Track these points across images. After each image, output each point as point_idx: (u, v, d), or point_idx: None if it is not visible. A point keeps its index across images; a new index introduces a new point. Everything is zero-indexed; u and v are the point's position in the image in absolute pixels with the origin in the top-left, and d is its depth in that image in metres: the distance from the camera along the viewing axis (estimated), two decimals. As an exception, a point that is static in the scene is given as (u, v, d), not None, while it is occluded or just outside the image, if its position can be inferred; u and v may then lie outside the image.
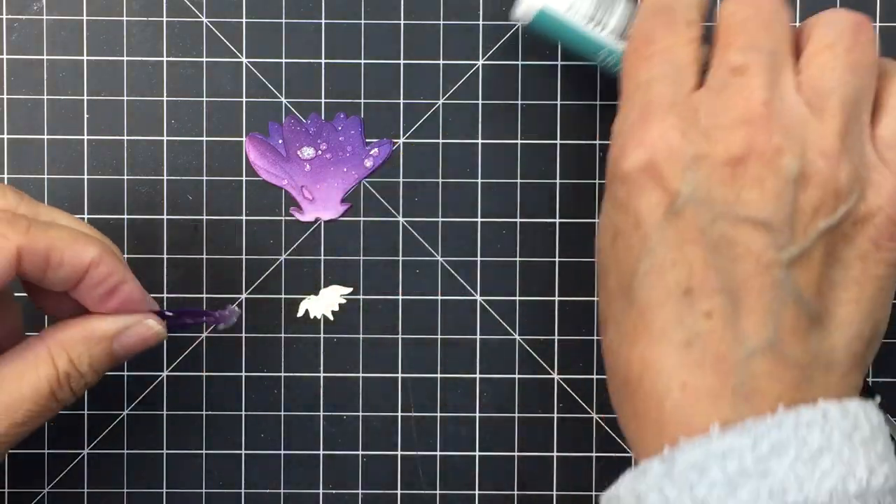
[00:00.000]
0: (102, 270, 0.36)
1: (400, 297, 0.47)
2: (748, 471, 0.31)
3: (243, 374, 0.47)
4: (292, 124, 0.46)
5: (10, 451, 0.46)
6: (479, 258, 0.47)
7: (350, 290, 0.47)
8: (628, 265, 0.34)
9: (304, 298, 0.47)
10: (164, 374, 0.47)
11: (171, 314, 0.40)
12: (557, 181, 0.47)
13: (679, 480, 0.32)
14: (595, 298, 0.47)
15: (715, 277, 0.33)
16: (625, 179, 0.35)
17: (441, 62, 0.47)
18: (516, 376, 0.47)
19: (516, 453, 0.47)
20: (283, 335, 0.47)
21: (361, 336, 0.47)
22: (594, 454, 0.47)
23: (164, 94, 0.47)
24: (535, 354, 0.47)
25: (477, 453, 0.47)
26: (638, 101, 0.36)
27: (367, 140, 0.47)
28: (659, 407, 0.33)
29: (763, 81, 0.34)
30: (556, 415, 0.47)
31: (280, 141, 0.46)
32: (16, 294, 0.41)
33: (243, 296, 0.47)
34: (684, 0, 0.37)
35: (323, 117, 0.47)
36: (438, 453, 0.47)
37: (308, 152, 0.46)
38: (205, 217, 0.47)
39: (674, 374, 0.33)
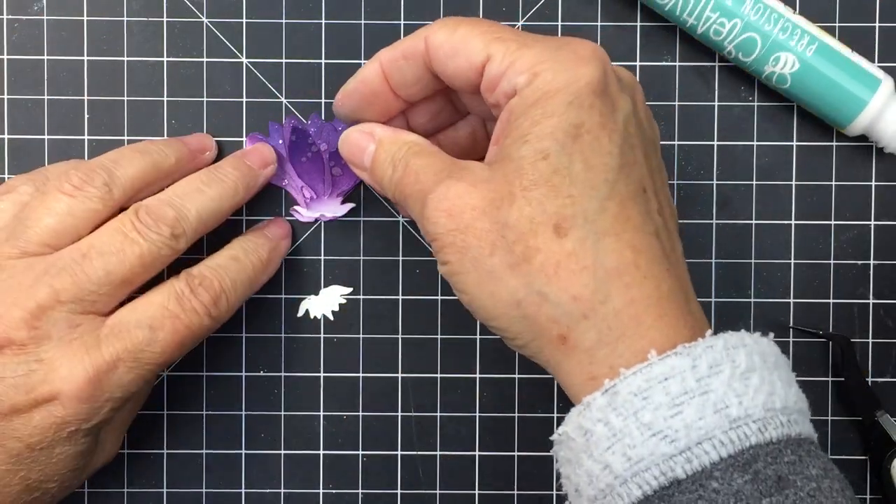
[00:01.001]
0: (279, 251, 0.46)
1: (400, 297, 0.47)
2: (691, 390, 0.32)
3: (243, 374, 0.47)
4: (292, 125, 0.46)
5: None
6: (479, 258, 0.47)
7: (350, 290, 0.47)
8: (600, 160, 0.34)
9: (304, 298, 0.47)
10: (165, 374, 0.47)
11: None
12: (557, 181, 0.47)
13: (624, 408, 0.32)
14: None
15: (650, 180, 0.36)
16: (585, 85, 0.35)
17: (441, 62, 0.47)
18: (516, 376, 0.47)
19: (516, 453, 0.47)
20: (283, 335, 0.47)
21: (361, 336, 0.47)
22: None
23: (165, 94, 0.47)
24: (535, 354, 0.47)
25: (477, 453, 0.47)
26: None
27: None
28: (658, 289, 0.34)
29: None
30: (555, 415, 0.47)
31: (280, 141, 0.46)
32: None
33: (243, 296, 0.47)
34: None
35: (323, 117, 0.47)
36: (438, 453, 0.47)
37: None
38: (205, 217, 0.47)
39: (660, 259, 0.35)
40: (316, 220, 0.47)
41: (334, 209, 0.47)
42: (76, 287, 0.38)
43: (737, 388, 0.32)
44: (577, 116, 0.34)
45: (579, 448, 0.33)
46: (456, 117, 0.43)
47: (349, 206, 0.47)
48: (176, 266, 0.47)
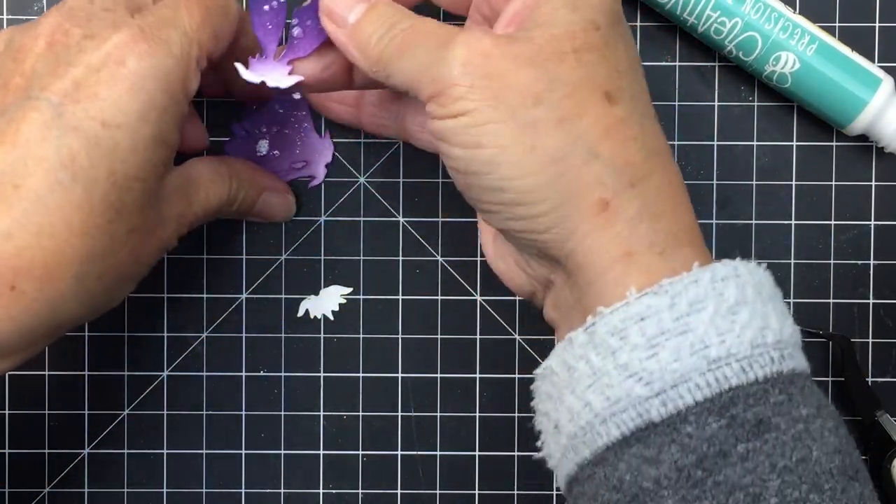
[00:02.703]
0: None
1: (400, 297, 0.47)
2: (668, 330, 0.31)
3: (243, 374, 0.47)
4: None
5: (10, 451, 0.47)
6: (478, 258, 0.47)
7: (350, 290, 0.47)
8: (633, 49, 0.36)
9: (304, 298, 0.47)
10: (165, 374, 0.47)
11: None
12: (557, 181, 0.47)
13: (602, 348, 0.32)
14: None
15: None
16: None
17: (441, 62, 0.47)
18: (516, 376, 0.47)
19: (516, 453, 0.47)
20: (283, 335, 0.47)
21: (361, 336, 0.47)
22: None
23: (165, 94, 0.47)
24: (534, 354, 0.47)
25: (477, 453, 0.47)
26: None
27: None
28: (681, 180, 0.35)
29: None
30: (556, 415, 0.47)
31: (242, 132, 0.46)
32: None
33: (243, 296, 0.47)
34: None
35: None
36: (438, 453, 0.47)
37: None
38: (205, 217, 0.47)
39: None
40: (258, 84, 0.40)
41: (279, 77, 0.39)
42: None
43: (720, 326, 0.31)
44: (615, 3, 0.35)
45: (562, 384, 0.33)
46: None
47: (297, 78, 0.39)
48: (176, 265, 0.47)
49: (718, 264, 0.32)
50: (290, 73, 0.39)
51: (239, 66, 0.39)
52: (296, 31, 0.39)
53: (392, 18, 0.36)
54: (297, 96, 0.46)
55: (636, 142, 0.33)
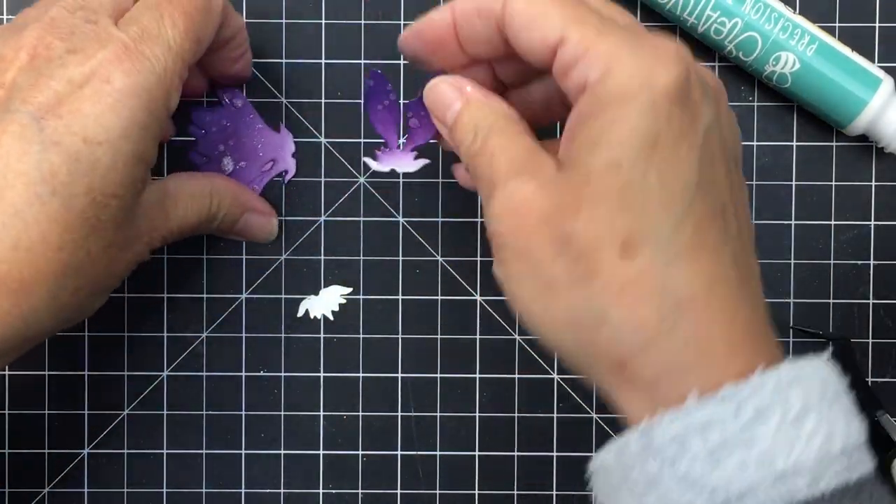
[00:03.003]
0: (243, 36, 0.44)
1: (400, 297, 0.47)
2: (732, 440, 0.30)
3: (243, 374, 0.47)
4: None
5: (10, 451, 0.47)
6: (479, 258, 0.47)
7: (350, 290, 0.47)
8: (677, 176, 0.32)
9: (304, 298, 0.47)
10: (165, 374, 0.47)
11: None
12: (557, 181, 0.47)
13: (660, 455, 0.30)
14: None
15: (731, 196, 0.33)
16: (665, 88, 0.31)
17: (441, 62, 0.47)
18: (516, 376, 0.47)
19: (516, 453, 0.47)
20: (283, 335, 0.47)
21: (361, 336, 0.47)
22: (594, 454, 0.47)
23: (165, 94, 0.47)
24: (534, 354, 0.47)
25: (477, 453, 0.47)
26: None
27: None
28: (732, 322, 0.31)
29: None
30: (555, 415, 0.47)
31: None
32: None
33: (243, 296, 0.47)
34: None
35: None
36: (438, 453, 0.47)
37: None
38: (205, 217, 0.47)
39: (737, 292, 0.32)
40: (391, 173, 0.47)
41: (407, 163, 0.45)
42: None
43: (788, 435, 0.29)
44: (654, 125, 0.31)
45: (618, 483, 0.32)
46: (532, 75, 0.39)
47: (423, 161, 0.45)
48: (176, 265, 0.47)
49: (784, 367, 0.31)
50: (415, 159, 0.45)
51: (368, 160, 0.46)
52: (412, 122, 0.42)
53: (478, 124, 0.35)
54: (238, 103, 0.46)
55: (654, 298, 0.31)
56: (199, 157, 0.46)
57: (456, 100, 0.36)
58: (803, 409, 0.30)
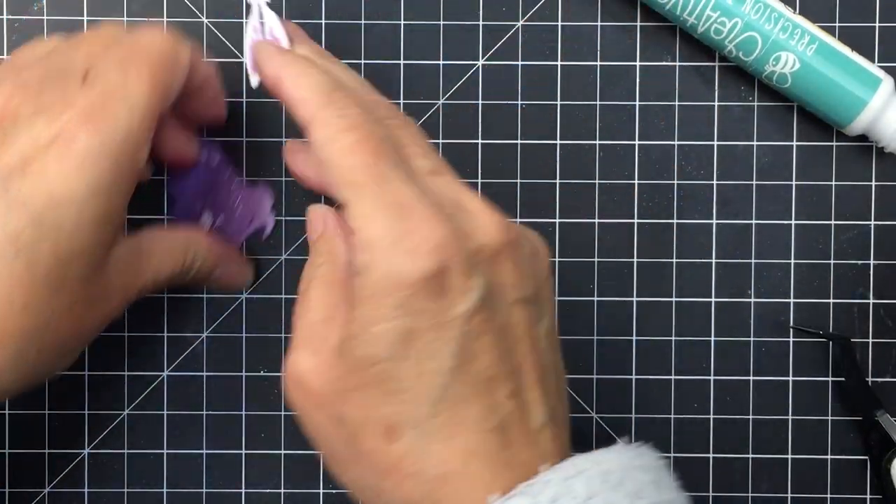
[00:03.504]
0: (214, 81, 0.43)
1: (400, 297, 0.47)
2: None
3: (243, 374, 0.47)
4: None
5: (10, 451, 0.47)
6: (479, 258, 0.47)
7: (350, 290, 0.47)
8: (431, 365, 0.33)
9: (304, 298, 0.47)
10: (165, 374, 0.47)
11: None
12: (557, 181, 0.47)
13: None
14: (595, 298, 0.47)
15: (506, 361, 0.34)
16: (415, 285, 0.33)
17: (441, 62, 0.47)
18: (516, 376, 0.47)
19: (516, 453, 0.47)
20: (283, 335, 0.47)
21: (361, 336, 0.47)
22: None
23: (165, 94, 0.47)
24: (535, 354, 0.47)
25: (477, 453, 0.47)
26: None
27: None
28: (488, 489, 0.33)
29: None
30: (556, 415, 0.47)
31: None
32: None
33: (243, 296, 0.47)
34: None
35: None
36: (438, 453, 0.47)
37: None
38: (205, 217, 0.47)
39: (496, 458, 0.34)
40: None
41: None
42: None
43: None
44: (405, 323, 0.33)
45: None
46: None
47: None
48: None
49: (566, 463, 0.34)
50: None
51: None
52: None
53: (315, 262, 0.37)
54: (215, 160, 0.46)
55: (417, 476, 0.33)
56: (179, 212, 0.46)
57: (317, 227, 0.38)
58: (588, 496, 0.32)
